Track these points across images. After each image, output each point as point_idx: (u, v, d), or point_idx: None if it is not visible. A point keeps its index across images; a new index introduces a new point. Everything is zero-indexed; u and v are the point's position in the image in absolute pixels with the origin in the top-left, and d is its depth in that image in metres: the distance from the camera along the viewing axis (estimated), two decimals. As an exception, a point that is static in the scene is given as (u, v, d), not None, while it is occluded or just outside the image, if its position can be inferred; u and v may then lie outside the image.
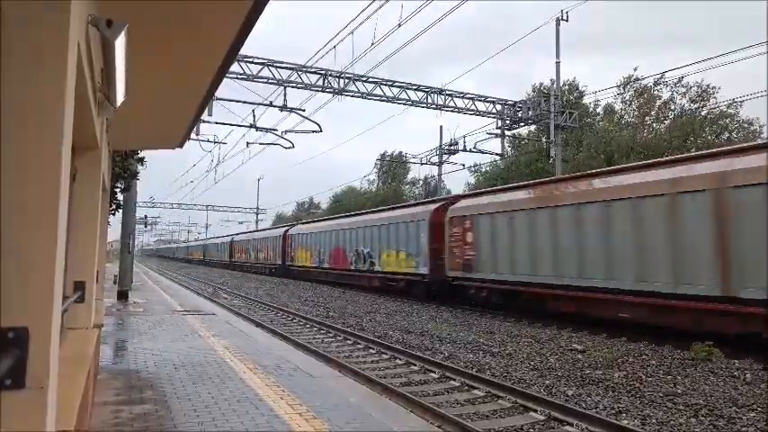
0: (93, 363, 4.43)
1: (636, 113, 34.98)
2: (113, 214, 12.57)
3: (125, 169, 10.87)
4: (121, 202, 14.43)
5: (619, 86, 33.65)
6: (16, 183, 1.68)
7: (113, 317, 11.84)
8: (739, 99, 27.92)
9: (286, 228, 42.03)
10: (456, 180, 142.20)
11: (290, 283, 31.78)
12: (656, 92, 33.57)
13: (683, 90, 32.68)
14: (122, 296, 15.82)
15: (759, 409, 6.84)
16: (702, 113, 31.86)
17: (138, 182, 15.32)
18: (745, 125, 31.59)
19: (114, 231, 18.62)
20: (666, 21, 79.31)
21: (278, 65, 20.60)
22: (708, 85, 32.02)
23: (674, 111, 33.22)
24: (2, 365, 1.54)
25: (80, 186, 4.48)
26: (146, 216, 53.66)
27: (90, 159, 4.55)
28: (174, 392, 5.57)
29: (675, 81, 31.77)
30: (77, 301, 4.41)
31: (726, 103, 29.75)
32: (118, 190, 11.98)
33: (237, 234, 60.32)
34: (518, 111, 25.64)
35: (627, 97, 35.08)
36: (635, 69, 38.57)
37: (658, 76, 31.27)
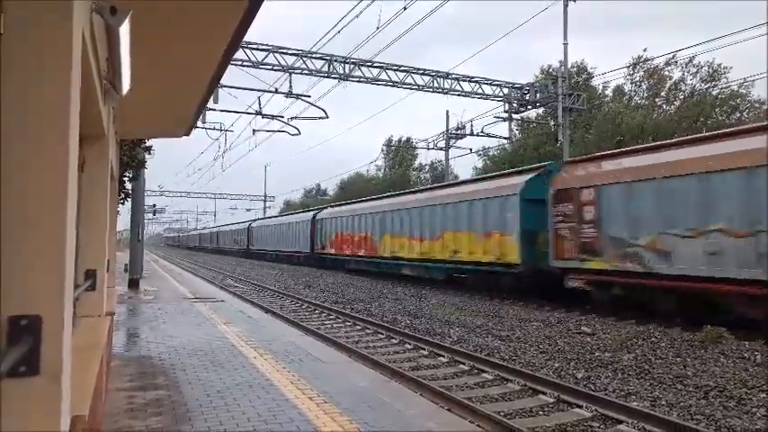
0: (105, 350, 4.49)
1: (646, 95, 34.58)
2: (122, 203, 12.64)
3: (133, 158, 10.91)
4: (130, 191, 14.50)
5: (629, 67, 33.24)
6: (26, 173, 1.69)
7: (125, 305, 11.97)
8: (751, 78, 27.51)
9: (315, 211, 36.91)
10: (463, 165, 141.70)
11: (322, 274, 28.11)
12: (666, 72, 33.14)
13: (694, 70, 32.28)
14: (133, 284, 15.98)
15: (769, 390, 6.83)
16: (713, 93, 31.45)
17: (146, 170, 15.38)
18: (757, 105, 31.15)
19: (124, 221, 18.77)
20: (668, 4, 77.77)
21: (283, 51, 20.51)
22: (719, 65, 31.58)
23: (684, 92, 32.81)
24: (16, 352, 1.56)
25: (88, 175, 4.50)
26: (154, 205, 53.73)
27: (98, 148, 4.57)
28: (186, 378, 5.64)
29: (687, 61, 31.34)
30: (89, 289, 4.46)
31: (737, 82, 29.36)
32: (126, 179, 12.03)
33: (256, 220, 57.01)
34: (525, 94, 25.40)
35: (636, 78, 34.66)
36: (644, 50, 38.05)
37: (669, 56, 30.87)
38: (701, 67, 32.00)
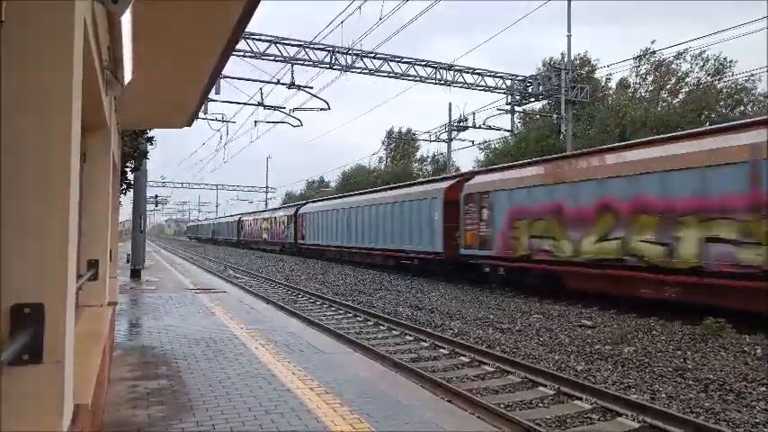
0: (108, 339, 4.51)
1: (650, 87, 34.39)
2: (124, 194, 12.64)
3: (134, 148, 10.89)
4: (132, 182, 14.48)
5: (635, 58, 33.06)
6: (28, 163, 1.69)
7: (127, 295, 12.01)
8: (757, 71, 27.30)
9: (454, 179, 20.53)
10: (465, 157, 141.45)
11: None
12: (675, 66, 32.93)
13: (702, 63, 32.07)
14: (135, 275, 16.02)
15: (769, 383, 6.84)
16: (718, 87, 31.26)
17: (148, 161, 15.35)
18: (761, 98, 30.95)
19: (127, 211, 18.79)
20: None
21: (285, 42, 20.42)
22: (725, 59, 31.38)
23: (689, 85, 32.60)
24: (19, 340, 1.57)
25: (91, 166, 4.51)
26: (156, 196, 53.74)
27: (100, 138, 4.57)
28: (188, 368, 5.66)
29: (696, 53, 31.13)
30: (91, 279, 4.47)
31: (743, 75, 29.18)
32: (128, 169, 12.02)
33: (307, 203, 41.64)
34: (528, 86, 25.29)
35: (642, 71, 34.45)
36: (653, 42, 37.79)
37: (680, 50, 30.69)
38: (708, 60, 31.82)
